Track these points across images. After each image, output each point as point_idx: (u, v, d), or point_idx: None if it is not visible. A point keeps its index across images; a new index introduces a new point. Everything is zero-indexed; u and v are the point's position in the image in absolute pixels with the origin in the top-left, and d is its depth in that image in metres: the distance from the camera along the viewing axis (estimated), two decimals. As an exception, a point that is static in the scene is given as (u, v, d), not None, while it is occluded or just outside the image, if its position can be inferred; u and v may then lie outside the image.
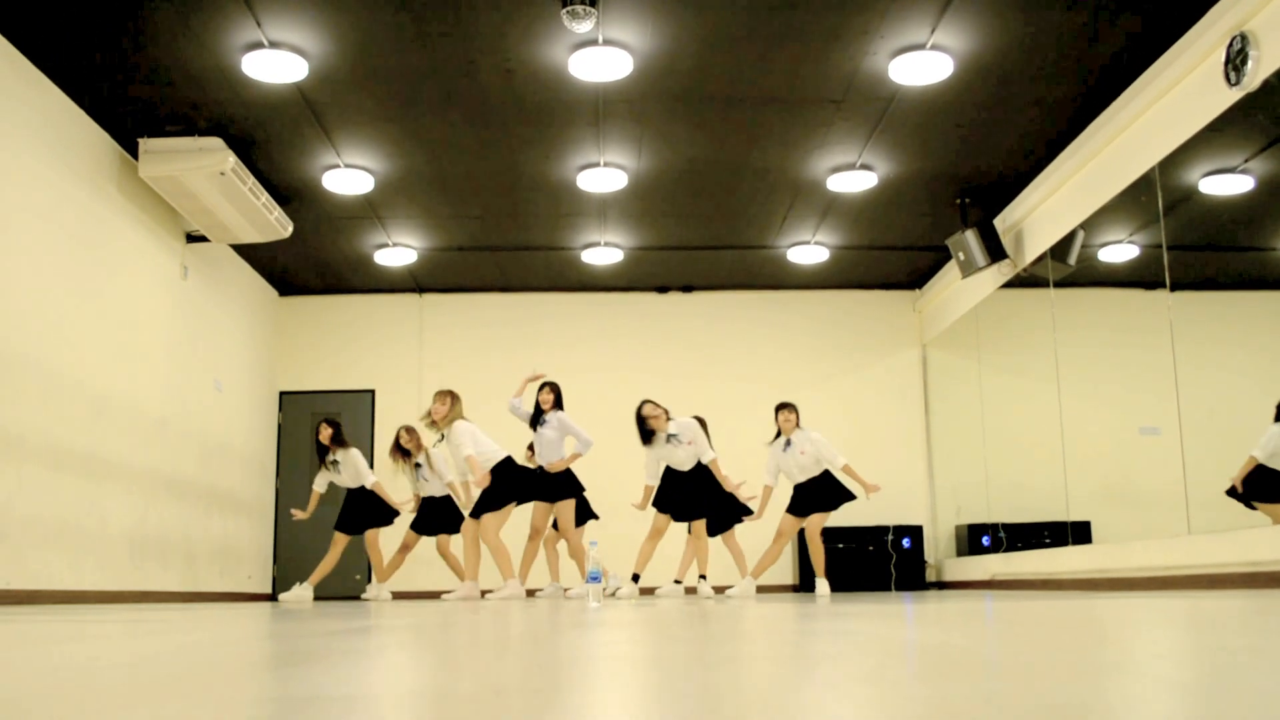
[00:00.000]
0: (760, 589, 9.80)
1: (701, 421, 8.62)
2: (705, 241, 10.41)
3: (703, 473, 8.02)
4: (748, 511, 8.49)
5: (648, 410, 7.99)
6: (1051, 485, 8.56)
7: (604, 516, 9.11)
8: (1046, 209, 8.59)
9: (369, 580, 9.25)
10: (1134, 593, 6.59)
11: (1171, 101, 6.66)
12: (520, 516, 8.54)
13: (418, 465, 8.95)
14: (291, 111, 7.43)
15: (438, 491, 8.92)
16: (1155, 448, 7.19)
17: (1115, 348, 8.20)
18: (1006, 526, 9.74)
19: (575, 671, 1.56)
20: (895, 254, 10.77)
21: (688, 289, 11.85)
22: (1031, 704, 1.07)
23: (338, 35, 6.44)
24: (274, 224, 8.60)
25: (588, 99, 7.32)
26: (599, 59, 6.67)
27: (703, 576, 8.41)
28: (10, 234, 6.45)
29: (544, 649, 2.05)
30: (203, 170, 7.65)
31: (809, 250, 10.51)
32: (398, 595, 10.13)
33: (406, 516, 9.22)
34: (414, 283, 11.50)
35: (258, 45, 6.51)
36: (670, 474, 8.08)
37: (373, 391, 11.50)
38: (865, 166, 8.53)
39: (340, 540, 8.92)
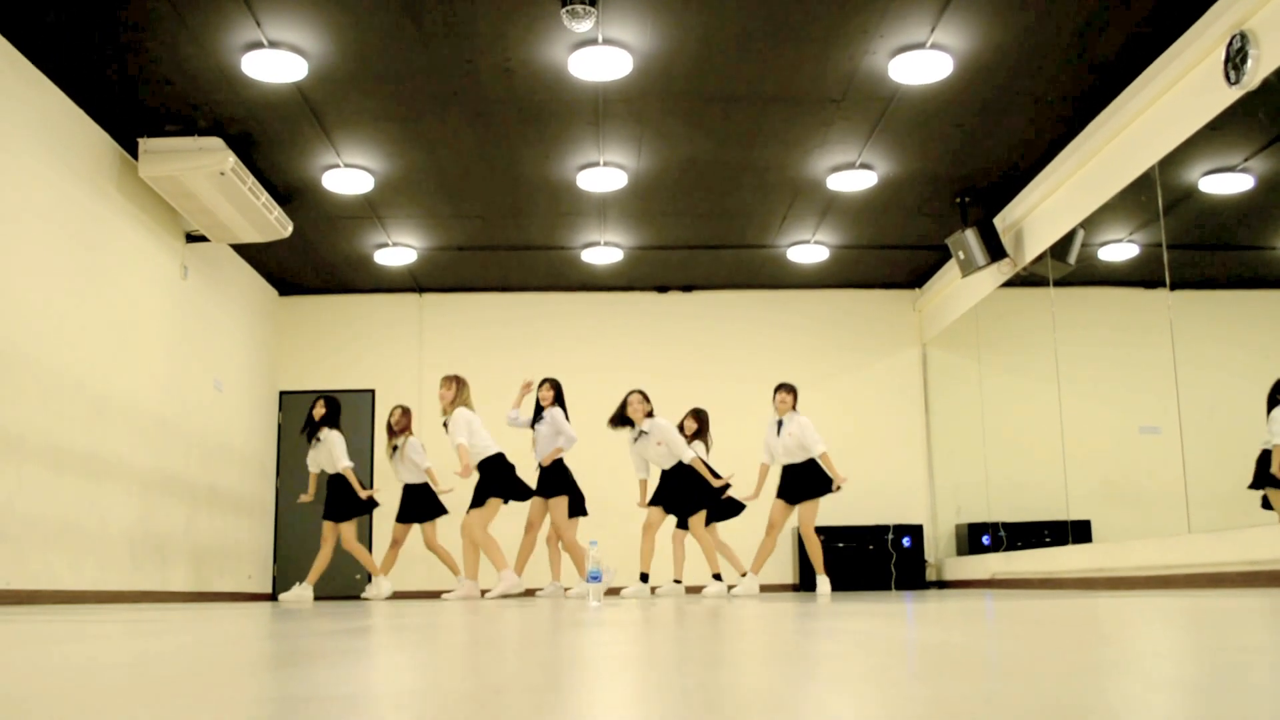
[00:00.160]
0: (760, 588, 9.78)
1: (703, 414, 8.63)
2: (705, 241, 10.41)
3: (686, 470, 8.05)
4: (739, 509, 8.47)
5: (632, 399, 8.13)
6: (1052, 484, 8.56)
7: (605, 516, 9.11)
8: (1046, 208, 8.59)
9: (369, 580, 9.24)
10: (1134, 592, 6.59)
11: (1171, 100, 6.66)
12: (519, 512, 8.55)
13: (395, 448, 8.91)
14: (291, 111, 7.43)
15: (415, 479, 8.89)
16: (1155, 447, 7.19)
17: (1115, 347, 8.20)
18: (1007, 525, 9.74)
19: (575, 671, 1.56)
20: (895, 253, 10.77)
21: (688, 288, 11.85)
22: (1031, 704, 1.07)
23: (337, 35, 6.44)
24: (274, 224, 8.60)
25: (587, 98, 7.32)
26: (599, 58, 6.67)
27: (717, 576, 8.38)
28: (10, 234, 6.45)
29: (544, 648, 2.05)
30: (202, 170, 7.65)
31: (809, 249, 10.51)
32: (396, 595, 10.13)
33: (390, 511, 9.19)
34: (414, 282, 11.50)
35: (257, 45, 6.51)
36: (662, 471, 8.16)
37: (373, 391, 11.50)
38: (865, 165, 8.53)
39: (329, 531, 8.85)
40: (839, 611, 3.85)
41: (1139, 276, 7.71)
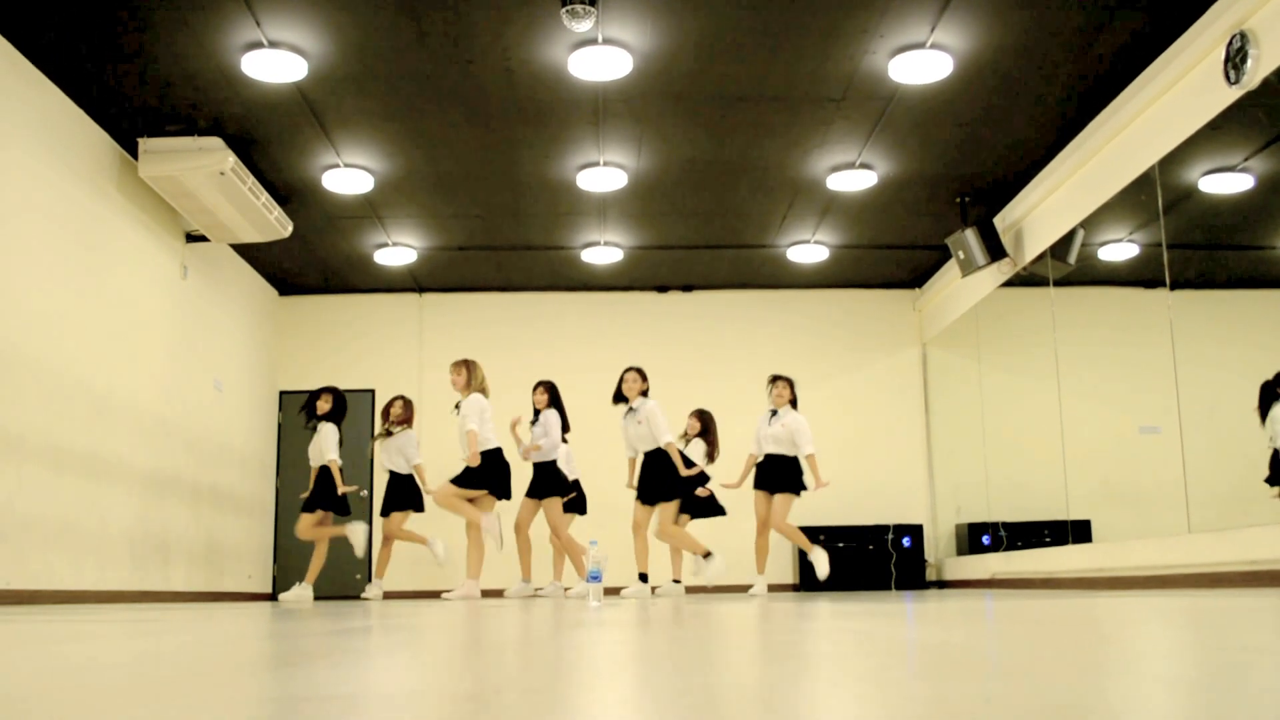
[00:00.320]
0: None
1: (707, 415, 8.62)
2: (705, 241, 10.41)
3: (662, 456, 7.93)
4: (719, 510, 8.44)
5: (628, 375, 8.08)
6: (1051, 484, 8.56)
7: (605, 516, 9.11)
8: (1046, 208, 8.59)
9: (369, 580, 9.23)
10: (1134, 591, 6.59)
11: (1171, 100, 6.66)
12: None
13: (389, 433, 8.84)
14: (291, 111, 7.43)
15: (402, 470, 8.81)
16: (1155, 446, 7.19)
17: (1115, 346, 8.20)
18: (1006, 525, 9.74)
19: (575, 671, 1.56)
20: (895, 253, 10.77)
21: (688, 288, 11.85)
22: (1032, 703, 1.07)
23: (337, 35, 6.44)
24: (274, 224, 8.60)
25: (587, 98, 7.32)
26: (598, 58, 6.67)
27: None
28: (10, 234, 6.45)
29: (544, 649, 2.05)
30: (202, 170, 7.65)
31: (809, 249, 10.51)
32: (393, 595, 10.13)
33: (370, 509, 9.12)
34: (414, 282, 11.50)
35: (257, 45, 6.51)
36: (644, 457, 8.08)
37: (372, 391, 11.50)
38: (865, 165, 8.53)
39: (323, 532, 8.78)
40: (839, 612, 3.85)
41: (1139, 276, 7.71)
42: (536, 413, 8.34)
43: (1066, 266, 8.44)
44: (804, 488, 8.27)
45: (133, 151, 7.79)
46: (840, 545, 10.76)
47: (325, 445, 8.60)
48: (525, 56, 6.73)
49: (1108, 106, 7.38)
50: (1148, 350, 7.20)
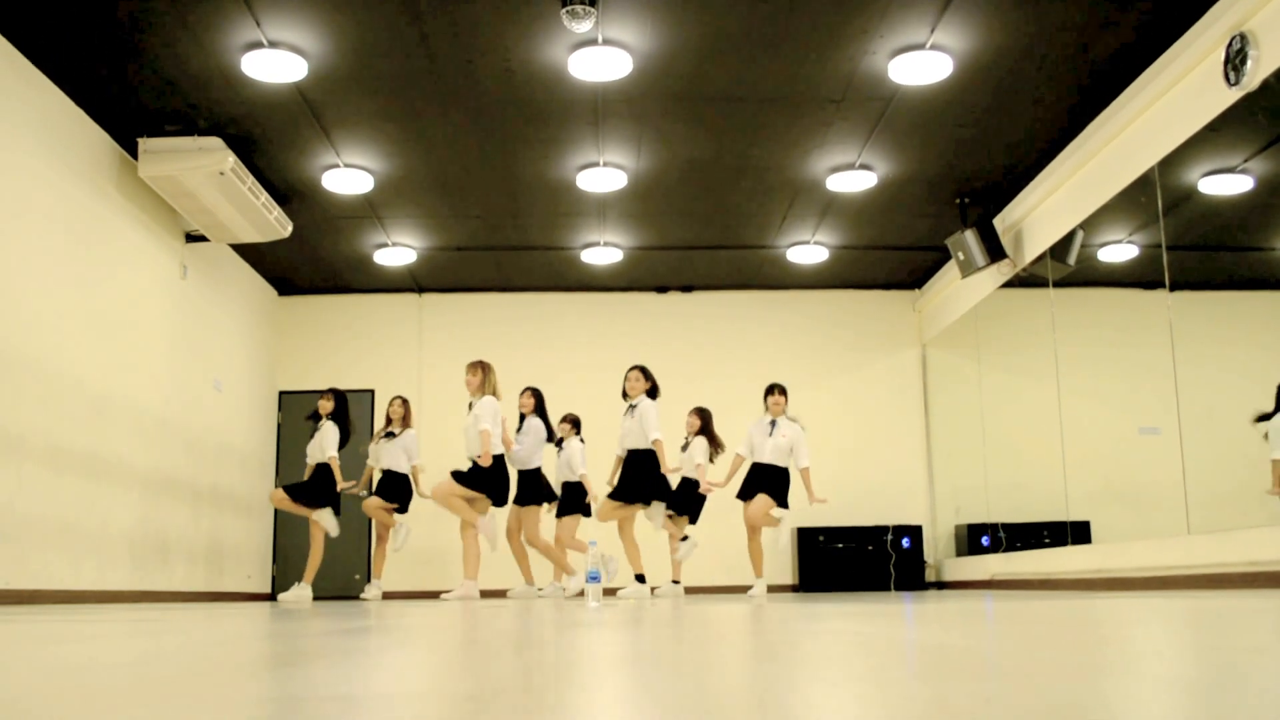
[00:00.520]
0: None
1: (707, 413, 8.62)
2: (705, 241, 10.41)
3: (648, 456, 7.90)
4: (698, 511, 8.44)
5: (630, 375, 8.07)
6: (1051, 485, 8.56)
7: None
8: (1046, 209, 8.59)
9: (368, 580, 9.23)
10: (1133, 593, 6.59)
11: (1171, 101, 6.66)
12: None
13: (391, 434, 8.85)
14: (291, 111, 7.43)
15: (399, 467, 8.82)
16: (1155, 447, 7.19)
17: (1115, 347, 8.20)
18: (1006, 526, 9.74)
19: (575, 671, 1.56)
20: (895, 254, 10.77)
21: (687, 289, 11.85)
22: (1031, 704, 1.07)
23: (337, 35, 6.44)
24: (273, 224, 8.60)
25: (587, 99, 7.32)
26: (598, 59, 6.67)
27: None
28: (10, 234, 6.45)
29: (543, 649, 2.05)
30: (202, 170, 7.65)
31: (808, 250, 10.51)
32: (392, 595, 10.13)
33: (359, 511, 9.11)
34: (413, 282, 11.50)
35: (257, 45, 6.51)
36: (627, 454, 8.04)
37: (372, 391, 11.50)
38: (865, 166, 8.53)
39: (315, 526, 8.76)
40: (838, 612, 3.85)
41: (1138, 277, 7.71)
42: (521, 417, 8.38)
43: (1066, 267, 8.44)
44: (784, 504, 8.22)
45: (132, 151, 7.79)
46: (839, 546, 10.76)
47: (326, 442, 8.62)
48: (525, 57, 6.73)
49: (1108, 108, 7.39)
50: (1147, 351, 7.20)
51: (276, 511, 11.29)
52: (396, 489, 8.77)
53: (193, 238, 9.04)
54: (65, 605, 6.53)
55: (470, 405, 7.94)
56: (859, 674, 1.45)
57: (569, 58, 6.69)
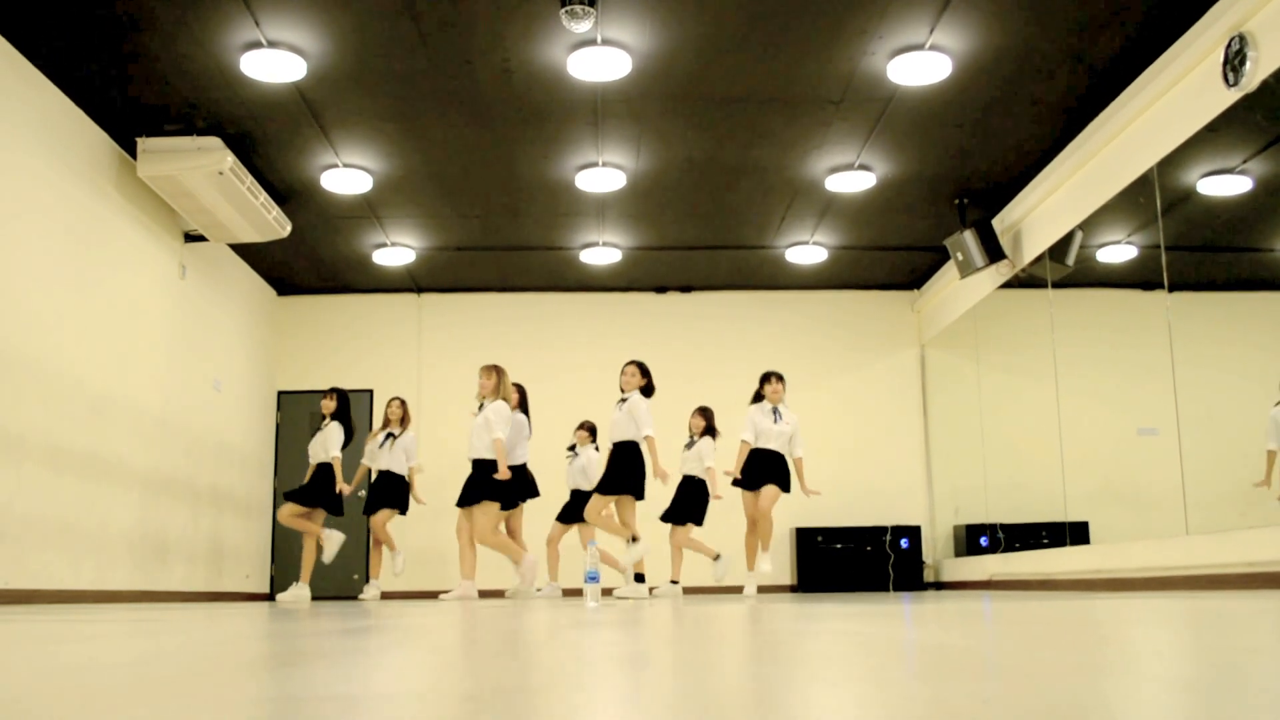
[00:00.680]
0: (758, 589, 9.78)
1: (711, 412, 8.62)
2: (704, 241, 10.41)
3: (627, 450, 7.80)
4: (696, 516, 8.42)
5: (626, 369, 7.97)
6: (1050, 485, 8.56)
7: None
8: (1045, 209, 8.60)
9: (367, 580, 9.22)
10: (1132, 593, 6.60)
11: (1170, 102, 6.67)
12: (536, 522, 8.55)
13: (391, 435, 8.86)
14: (290, 111, 7.43)
15: (398, 467, 8.85)
16: (1153, 448, 7.19)
17: (1113, 348, 8.20)
18: (1004, 527, 9.74)
19: (574, 671, 1.56)
20: (894, 254, 10.78)
21: (686, 289, 11.85)
22: (1031, 704, 1.08)
23: (336, 35, 6.44)
24: (272, 223, 8.60)
25: (586, 99, 7.32)
26: (597, 59, 6.67)
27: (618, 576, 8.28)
28: (9, 234, 6.45)
29: (543, 649, 2.05)
30: (201, 170, 7.65)
31: (807, 250, 10.51)
32: (391, 595, 10.13)
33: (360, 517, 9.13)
34: (412, 282, 11.50)
35: (256, 45, 6.51)
36: (612, 448, 7.94)
37: (371, 391, 11.50)
38: (864, 167, 8.53)
39: (309, 524, 8.75)
40: (838, 612, 3.85)
41: (1137, 278, 7.71)
42: None
43: (1065, 268, 8.45)
44: (787, 488, 8.20)
45: (131, 151, 7.79)
46: (838, 546, 10.76)
47: (330, 442, 8.63)
48: (524, 57, 6.74)
49: (1107, 108, 7.39)
50: (1146, 352, 7.20)
51: (275, 512, 11.29)
52: (394, 490, 8.78)
53: (192, 237, 9.03)
54: (64, 605, 6.52)
55: (480, 406, 7.91)
56: (858, 674, 1.45)
57: (568, 58, 6.69)
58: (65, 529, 7.01)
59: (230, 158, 7.69)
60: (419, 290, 11.76)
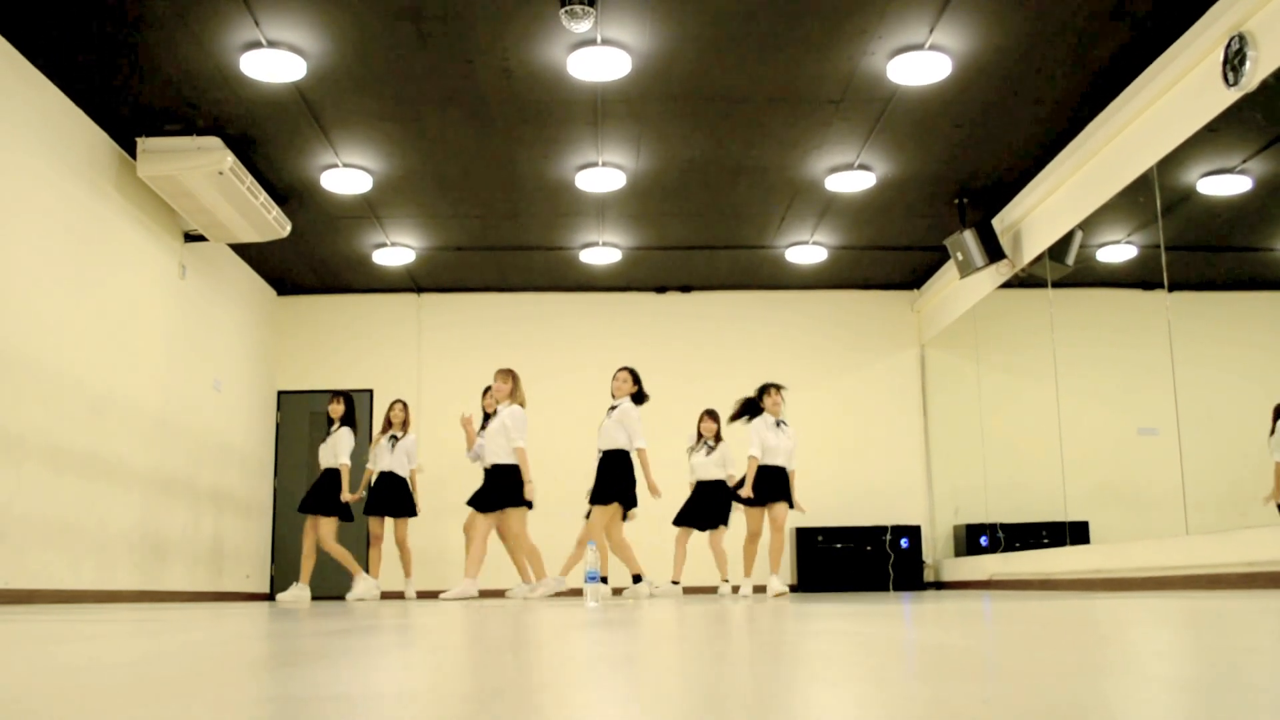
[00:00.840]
0: (758, 589, 9.78)
1: (714, 416, 8.62)
2: (703, 241, 10.41)
3: (622, 457, 7.77)
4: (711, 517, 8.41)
5: (618, 375, 7.94)
6: (1050, 485, 8.56)
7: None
8: (1045, 209, 8.60)
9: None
10: (1132, 593, 6.60)
11: (1170, 102, 6.67)
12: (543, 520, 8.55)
13: (394, 438, 8.91)
14: (290, 111, 7.43)
15: (400, 470, 8.87)
16: (1153, 448, 7.19)
17: (1113, 348, 8.20)
18: (1004, 527, 9.74)
19: (575, 671, 1.56)
20: (893, 254, 10.78)
21: (686, 289, 11.85)
22: (1030, 704, 1.08)
23: (336, 35, 6.44)
24: (272, 223, 8.60)
25: (586, 99, 7.32)
26: (597, 59, 6.67)
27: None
28: (9, 233, 6.45)
29: (543, 649, 2.05)
30: (201, 170, 7.65)
31: (807, 250, 10.51)
32: (390, 595, 10.13)
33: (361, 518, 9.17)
34: (412, 282, 11.49)
35: (256, 45, 6.50)
36: (602, 456, 7.89)
37: (371, 391, 11.50)
38: (863, 166, 8.53)
39: (310, 526, 8.79)
40: (838, 613, 3.85)
41: (1137, 278, 7.71)
42: (486, 416, 8.35)
43: (1065, 268, 8.45)
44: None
45: (131, 151, 7.79)
46: (838, 546, 10.76)
47: (340, 448, 8.72)
48: (524, 57, 6.73)
49: (1106, 108, 7.39)
50: (1146, 352, 7.20)
51: (275, 511, 11.30)
52: (396, 493, 8.83)
53: (191, 237, 9.03)
54: (64, 605, 6.52)
55: (495, 412, 7.91)
56: (858, 674, 1.45)
57: (568, 58, 6.69)
58: (65, 529, 7.01)
59: (230, 158, 7.69)
60: (419, 290, 11.76)
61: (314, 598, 9.84)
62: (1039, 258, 8.70)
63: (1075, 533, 8.30)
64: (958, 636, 2.26)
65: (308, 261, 10.70)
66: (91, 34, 6.39)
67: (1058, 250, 8.42)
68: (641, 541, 8.73)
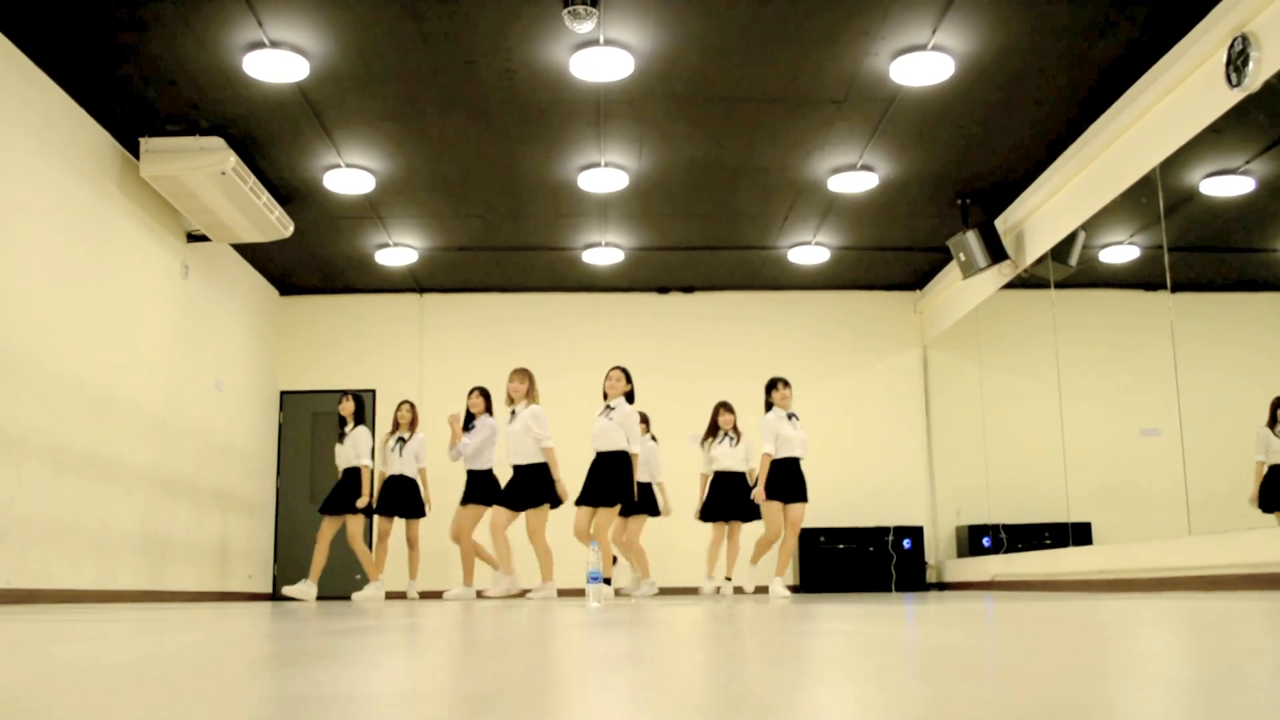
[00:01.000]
0: (759, 589, 9.78)
1: (731, 408, 8.65)
2: (706, 242, 10.41)
3: (621, 459, 7.74)
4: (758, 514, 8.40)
5: (613, 374, 7.91)
6: (1052, 486, 8.56)
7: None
8: (1047, 210, 8.59)
9: (367, 580, 9.23)
10: (1134, 594, 6.59)
11: (1173, 102, 6.66)
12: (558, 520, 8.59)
13: (401, 439, 8.94)
14: (292, 111, 7.43)
15: (410, 472, 8.92)
16: (1156, 449, 7.19)
17: (1116, 349, 8.20)
18: (1007, 527, 9.74)
19: (575, 672, 1.56)
20: (896, 255, 10.77)
21: (688, 289, 11.85)
22: (1032, 705, 1.07)
23: (339, 35, 6.44)
24: (275, 223, 8.61)
25: (589, 99, 7.32)
26: (600, 59, 6.67)
27: (605, 580, 8.08)
28: (11, 233, 6.45)
29: (544, 649, 2.05)
30: (204, 170, 7.66)
31: (810, 251, 10.51)
32: (394, 595, 10.13)
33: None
34: (414, 282, 11.50)
35: (259, 45, 6.51)
36: (597, 458, 7.84)
37: (373, 391, 11.51)
38: (866, 167, 8.53)
39: (326, 526, 8.82)
40: (839, 613, 3.85)
41: (1140, 279, 7.71)
42: (470, 416, 8.36)
43: (1068, 269, 8.44)
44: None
45: (134, 151, 7.80)
46: (841, 547, 10.75)
47: (361, 448, 8.83)
48: (527, 57, 6.74)
49: (1109, 109, 7.38)
50: (1149, 353, 7.19)
51: (278, 511, 11.31)
52: (406, 494, 8.88)
53: (194, 237, 9.04)
54: (65, 605, 6.53)
55: (513, 412, 7.91)
56: (860, 674, 1.45)
57: (570, 58, 6.69)
58: (66, 529, 7.02)
59: (233, 158, 7.69)
60: (421, 290, 11.76)
61: (319, 597, 9.84)
62: (1042, 258, 8.69)
63: (1078, 533, 8.29)
64: (960, 637, 2.25)
65: (310, 261, 10.70)
66: (94, 34, 6.40)
67: (1060, 251, 8.42)
68: (667, 541, 8.74)
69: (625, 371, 7.95)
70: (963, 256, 9.11)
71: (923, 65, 6.78)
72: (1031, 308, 9.06)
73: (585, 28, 6.07)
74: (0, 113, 6.34)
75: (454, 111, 7.50)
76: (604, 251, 10.46)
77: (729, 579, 8.63)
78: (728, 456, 8.52)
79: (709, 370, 11.48)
